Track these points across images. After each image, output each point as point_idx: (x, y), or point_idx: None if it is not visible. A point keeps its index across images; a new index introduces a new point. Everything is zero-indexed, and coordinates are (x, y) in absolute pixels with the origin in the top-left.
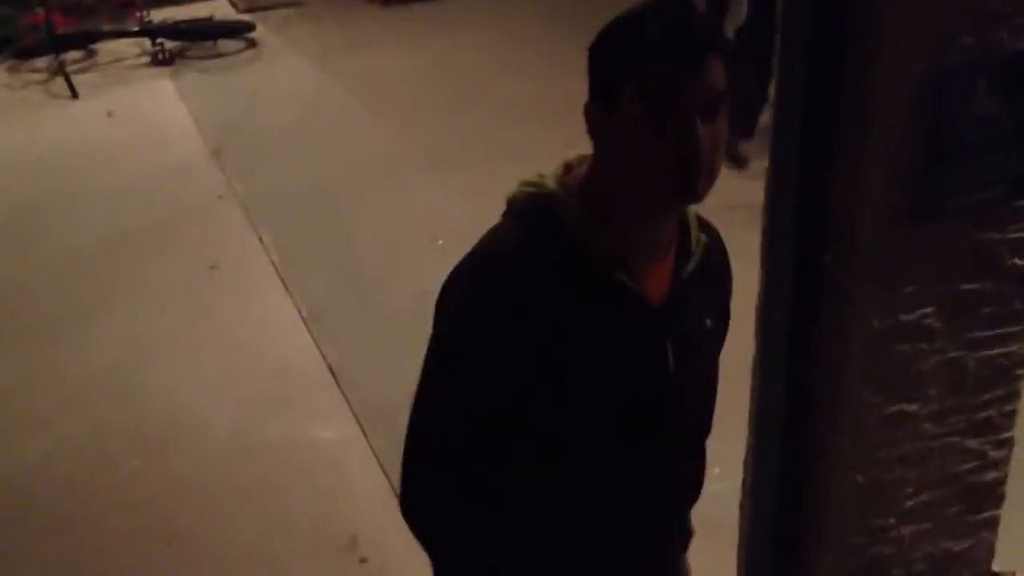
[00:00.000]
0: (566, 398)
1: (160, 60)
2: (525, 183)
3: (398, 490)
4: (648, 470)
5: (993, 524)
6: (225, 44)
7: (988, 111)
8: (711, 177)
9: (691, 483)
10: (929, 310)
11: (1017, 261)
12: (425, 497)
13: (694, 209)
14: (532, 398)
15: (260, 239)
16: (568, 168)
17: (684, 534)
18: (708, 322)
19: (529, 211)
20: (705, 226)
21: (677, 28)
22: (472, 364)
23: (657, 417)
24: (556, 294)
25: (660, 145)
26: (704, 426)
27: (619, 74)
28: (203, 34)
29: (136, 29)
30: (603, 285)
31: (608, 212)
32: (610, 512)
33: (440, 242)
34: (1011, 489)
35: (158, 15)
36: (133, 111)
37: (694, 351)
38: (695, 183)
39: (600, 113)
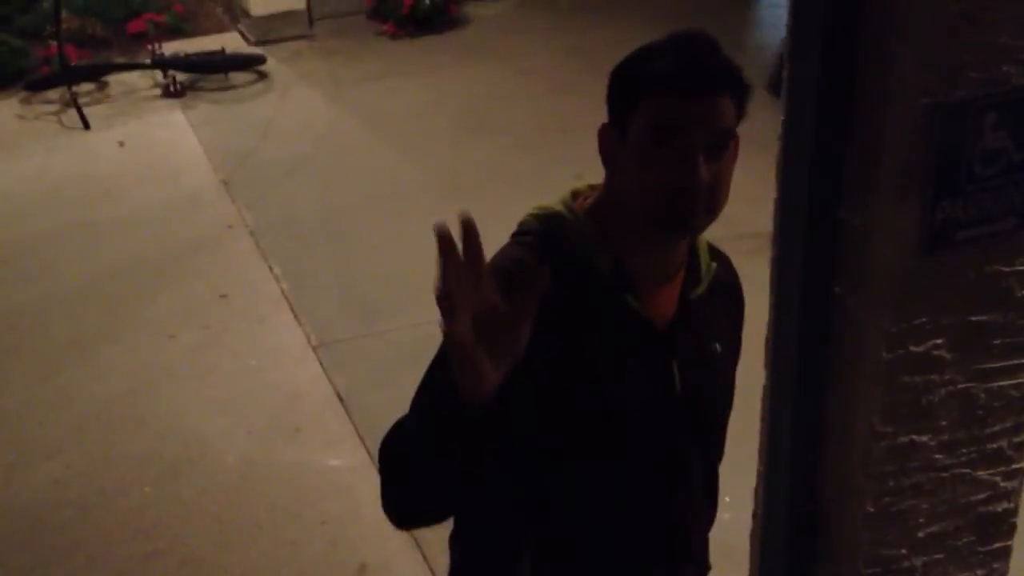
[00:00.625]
0: (570, 417)
1: (172, 92)
2: (533, 209)
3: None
4: (655, 493)
5: (1005, 554)
6: (236, 76)
7: (996, 144)
8: (709, 213)
9: (703, 508)
10: (939, 341)
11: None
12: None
13: (705, 236)
14: (534, 414)
15: (270, 268)
16: (575, 195)
17: (701, 568)
18: (717, 347)
19: (535, 230)
20: (716, 253)
21: (693, 60)
22: None
23: (664, 439)
24: (560, 311)
25: (661, 173)
26: (714, 451)
27: (631, 99)
28: (214, 67)
29: (148, 62)
30: (609, 305)
31: (615, 235)
32: (617, 535)
33: None
34: (1022, 520)
35: (170, 48)
36: (144, 142)
37: (702, 375)
38: (689, 216)
39: (612, 137)
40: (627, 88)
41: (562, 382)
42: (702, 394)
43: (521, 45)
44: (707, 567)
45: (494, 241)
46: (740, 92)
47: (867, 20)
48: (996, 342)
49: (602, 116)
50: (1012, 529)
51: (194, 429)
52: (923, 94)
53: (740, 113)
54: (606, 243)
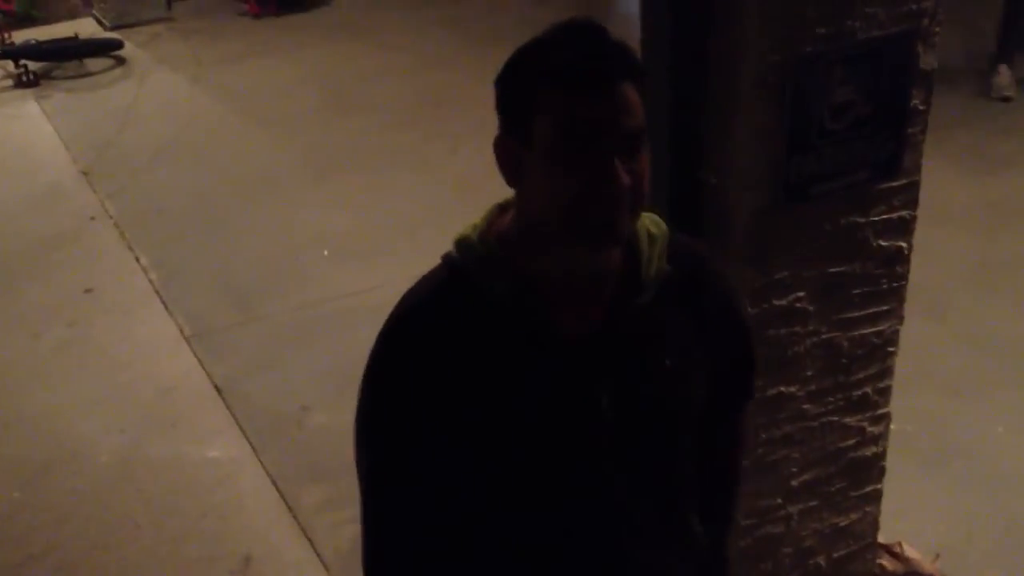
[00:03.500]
0: (485, 457)
1: (24, 82)
2: (458, 232)
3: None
4: (589, 537)
5: (876, 498)
6: (92, 63)
7: (844, 98)
8: (632, 216)
9: (662, 556)
10: (801, 294)
11: (882, 243)
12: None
13: (664, 232)
14: (459, 449)
15: (137, 259)
16: (504, 208)
17: None
18: (667, 362)
19: (450, 261)
20: (682, 254)
21: (587, 54)
22: (388, 427)
23: (592, 473)
24: (465, 341)
25: (576, 183)
26: (670, 485)
27: (529, 102)
28: (68, 54)
29: None
30: (513, 330)
31: (528, 252)
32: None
33: (325, 252)
34: (891, 464)
35: (20, 36)
36: None
37: (643, 396)
38: (613, 225)
39: (511, 148)
40: (521, 90)
41: (475, 412)
42: (640, 418)
43: (389, 20)
44: None
45: (368, 219)
46: (642, 78)
47: None
48: (856, 291)
49: (474, 88)
50: (881, 473)
51: (64, 429)
52: (772, 51)
53: (645, 101)
54: (509, 267)
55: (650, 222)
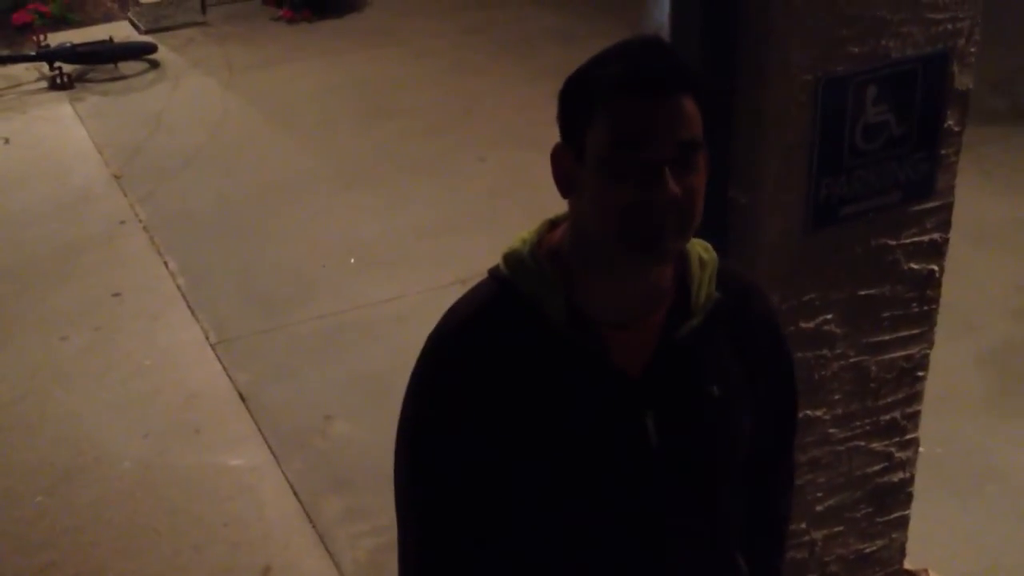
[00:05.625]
0: (536, 471)
1: (59, 85)
2: (508, 245)
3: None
4: (636, 566)
5: (903, 524)
6: (126, 66)
7: (877, 119)
8: (680, 233)
9: None
10: (829, 316)
11: (913, 265)
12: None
13: (714, 258)
14: (504, 470)
15: (165, 264)
16: (554, 224)
17: None
18: (715, 389)
19: (499, 275)
20: (729, 279)
21: (647, 64)
22: (431, 445)
23: (641, 503)
24: (514, 359)
25: (625, 190)
26: (719, 513)
27: (586, 111)
28: (102, 57)
29: (33, 54)
30: (566, 355)
31: (580, 271)
32: None
33: (352, 260)
34: (919, 488)
35: (55, 39)
36: (31, 138)
37: (691, 425)
38: (657, 236)
39: (568, 158)
40: (580, 100)
41: (522, 444)
42: (686, 447)
43: (421, 26)
44: None
45: (396, 228)
46: (703, 94)
47: (747, 4)
48: (886, 315)
49: (504, 95)
50: (909, 499)
51: (88, 434)
52: (804, 70)
53: (705, 119)
54: (562, 284)
55: (701, 247)
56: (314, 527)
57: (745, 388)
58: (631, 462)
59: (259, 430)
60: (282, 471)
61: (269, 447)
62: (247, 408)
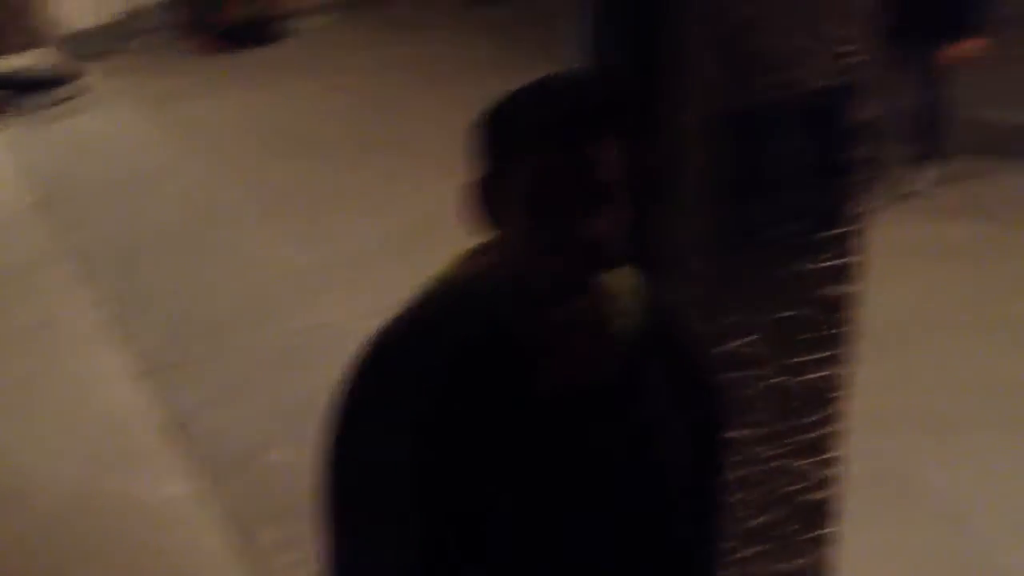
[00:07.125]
0: (471, 496)
1: None
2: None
3: None
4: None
5: (830, 541)
6: (50, 94)
7: (789, 147)
8: (601, 268)
9: None
10: (753, 338)
11: (825, 290)
12: None
13: (640, 289)
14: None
15: (91, 293)
16: (473, 255)
17: None
18: (643, 416)
19: (412, 303)
20: (657, 311)
21: (576, 104)
22: (364, 467)
23: (579, 526)
24: (437, 390)
25: (550, 225)
26: (659, 544)
27: (509, 150)
28: (25, 85)
29: None
30: (490, 378)
31: (502, 295)
32: None
33: (280, 288)
34: (855, 504)
35: None
36: None
37: (623, 450)
38: (575, 271)
39: (487, 192)
40: (504, 136)
41: (445, 476)
42: (618, 477)
43: (344, 59)
44: None
45: (322, 257)
46: (630, 131)
47: (664, 35)
48: (802, 337)
49: (423, 130)
50: (834, 517)
51: (15, 466)
52: (715, 98)
53: (630, 151)
54: (483, 312)
55: (626, 276)
56: (249, 557)
57: (676, 416)
58: (563, 492)
59: (193, 459)
60: (217, 500)
61: (203, 476)
62: (180, 437)
